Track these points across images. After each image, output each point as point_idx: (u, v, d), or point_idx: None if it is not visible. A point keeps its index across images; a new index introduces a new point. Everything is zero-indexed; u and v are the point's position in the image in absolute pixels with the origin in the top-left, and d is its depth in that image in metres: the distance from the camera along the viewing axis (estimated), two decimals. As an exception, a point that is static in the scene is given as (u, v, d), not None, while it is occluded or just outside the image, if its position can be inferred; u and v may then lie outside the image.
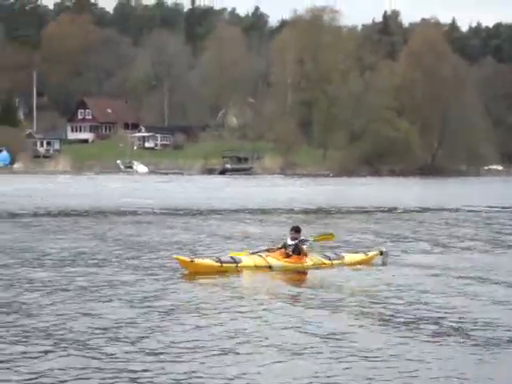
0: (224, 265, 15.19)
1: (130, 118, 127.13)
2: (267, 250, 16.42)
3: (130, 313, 11.58)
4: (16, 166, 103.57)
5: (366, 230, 26.25)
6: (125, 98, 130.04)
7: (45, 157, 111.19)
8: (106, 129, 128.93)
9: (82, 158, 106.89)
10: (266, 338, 10.25)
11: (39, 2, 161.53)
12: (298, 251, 16.42)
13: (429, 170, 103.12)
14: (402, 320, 11.50)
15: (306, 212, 36.49)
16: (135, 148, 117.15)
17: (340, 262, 16.60)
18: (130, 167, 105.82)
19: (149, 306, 12.04)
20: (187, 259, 15.19)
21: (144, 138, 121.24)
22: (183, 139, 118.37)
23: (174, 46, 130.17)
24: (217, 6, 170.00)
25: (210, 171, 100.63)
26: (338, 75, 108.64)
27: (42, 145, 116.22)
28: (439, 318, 11.72)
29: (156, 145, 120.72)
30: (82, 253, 18.59)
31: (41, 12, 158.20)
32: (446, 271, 16.25)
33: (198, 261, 15.21)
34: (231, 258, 15.56)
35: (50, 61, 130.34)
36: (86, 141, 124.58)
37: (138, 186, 62.43)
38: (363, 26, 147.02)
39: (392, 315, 11.84)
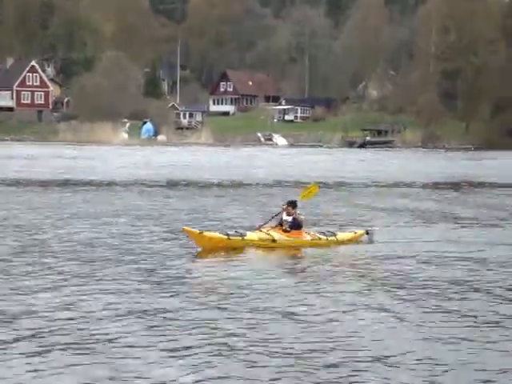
0: (231, 238, 15.34)
1: (270, 91, 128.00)
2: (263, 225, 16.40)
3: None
4: (160, 137, 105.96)
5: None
6: (266, 71, 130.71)
7: (187, 129, 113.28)
8: (246, 101, 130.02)
9: (223, 130, 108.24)
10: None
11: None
12: (296, 226, 16.29)
13: None
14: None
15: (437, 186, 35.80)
16: (275, 120, 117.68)
17: (334, 239, 16.87)
18: (270, 140, 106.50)
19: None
20: (196, 231, 15.29)
21: (284, 111, 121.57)
22: (323, 111, 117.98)
23: (316, 17, 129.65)
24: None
25: (349, 144, 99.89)
26: (484, 45, 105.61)
27: (184, 117, 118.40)
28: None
29: (296, 117, 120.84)
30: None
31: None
32: None
33: (206, 233, 15.30)
34: (237, 232, 15.74)
35: (193, 33, 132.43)
36: (227, 113, 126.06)
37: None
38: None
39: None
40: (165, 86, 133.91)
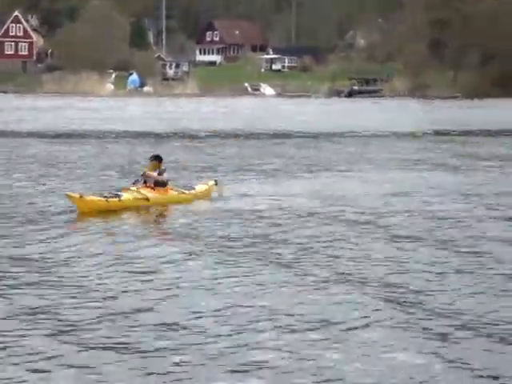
0: (109, 200, 15.37)
1: (257, 40, 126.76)
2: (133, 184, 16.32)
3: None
4: (146, 88, 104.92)
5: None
6: (252, 19, 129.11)
7: (173, 79, 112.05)
8: (233, 51, 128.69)
9: (209, 80, 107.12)
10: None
11: None
12: (161, 183, 16.08)
13: None
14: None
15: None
16: (262, 70, 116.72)
17: (194, 193, 17.11)
18: (258, 90, 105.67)
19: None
20: (76, 195, 15.17)
21: (271, 60, 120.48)
22: (311, 61, 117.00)
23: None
24: None
25: (337, 93, 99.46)
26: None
27: (170, 67, 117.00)
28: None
29: (283, 67, 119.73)
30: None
31: None
32: None
33: (86, 197, 15.24)
34: (113, 193, 15.73)
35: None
36: (213, 63, 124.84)
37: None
38: None
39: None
40: (150, 37, 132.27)
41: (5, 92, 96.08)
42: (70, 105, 65.81)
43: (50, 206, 16.09)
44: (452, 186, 19.88)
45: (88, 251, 12.08)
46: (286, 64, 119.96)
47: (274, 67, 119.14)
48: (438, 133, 40.24)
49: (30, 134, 36.15)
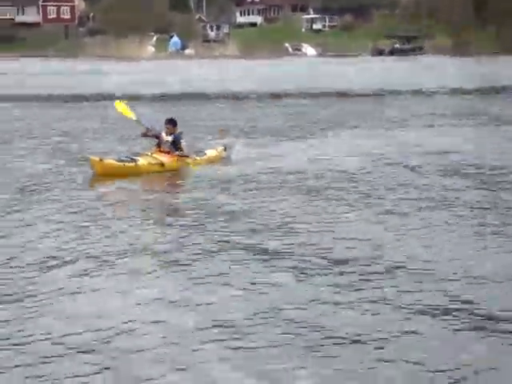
0: (126, 164, 15.42)
1: (297, 0, 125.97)
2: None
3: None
4: (187, 51, 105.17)
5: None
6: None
7: (215, 41, 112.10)
8: (274, 11, 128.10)
9: (250, 41, 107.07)
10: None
11: None
12: (176, 147, 15.94)
13: None
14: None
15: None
16: (303, 30, 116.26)
17: (205, 158, 16.95)
18: (299, 50, 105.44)
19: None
20: (96, 158, 15.25)
21: (312, 20, 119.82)
22: (352, 20, 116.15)
23: None
24: None
25: (379, 52, 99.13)
26: None
27: (211, 29, 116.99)
28: None
29: (324, 26, 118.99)
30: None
31: None
32: None
33: (105, 161, 15.26)
34: (130, 158, 15.75)
35: None
36: (254, 24, 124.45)
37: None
38: None
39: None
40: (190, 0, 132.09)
41: (45, 56, 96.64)
42: (114, 69, 66.33)
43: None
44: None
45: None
46: (327, 23, 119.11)
47: (314, 27, 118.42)
48: (483, 89, 40.21)
49: (81, 98, 36.71)
